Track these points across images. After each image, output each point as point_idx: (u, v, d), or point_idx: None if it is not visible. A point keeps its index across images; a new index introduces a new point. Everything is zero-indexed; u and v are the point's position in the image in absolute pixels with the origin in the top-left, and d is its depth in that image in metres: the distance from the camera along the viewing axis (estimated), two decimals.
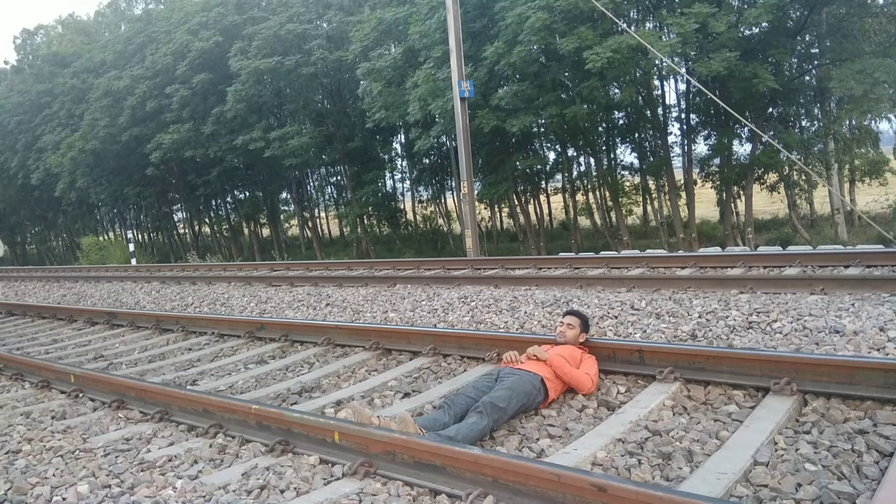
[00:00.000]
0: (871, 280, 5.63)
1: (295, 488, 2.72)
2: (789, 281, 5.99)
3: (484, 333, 4.76)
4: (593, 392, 3.63)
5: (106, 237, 35.21)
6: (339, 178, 27.56)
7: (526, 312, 5.87)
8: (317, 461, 2.98)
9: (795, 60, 16.73)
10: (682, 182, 18.84)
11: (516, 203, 22.16)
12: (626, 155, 21.59)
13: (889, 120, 17.43)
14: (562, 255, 11.52)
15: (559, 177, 22.34)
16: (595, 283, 7.05)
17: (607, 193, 20.74)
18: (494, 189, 19.18)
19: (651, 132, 19.40)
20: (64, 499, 2.78)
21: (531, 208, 22.79)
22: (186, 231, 34.37)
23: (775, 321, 4.64)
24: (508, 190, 19.80)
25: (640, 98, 17.88)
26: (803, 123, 18.41)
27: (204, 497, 2.69)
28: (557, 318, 5.04)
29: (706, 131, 18.61)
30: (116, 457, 3.26)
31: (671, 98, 23.52)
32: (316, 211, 30.04)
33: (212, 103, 22.92)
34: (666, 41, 13.64)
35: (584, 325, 3.93)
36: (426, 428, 3.05)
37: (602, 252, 12.31)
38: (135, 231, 31.98)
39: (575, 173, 21.91)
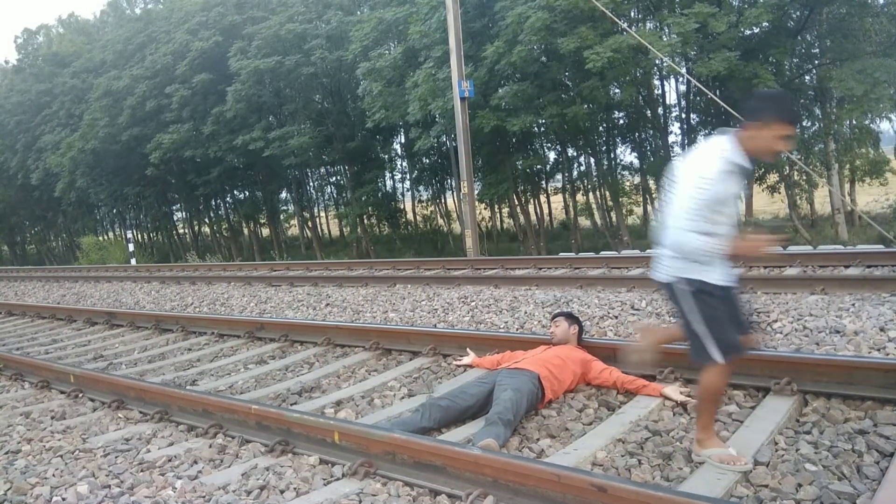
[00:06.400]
0: (872, 280, 5.63)
1: (295, 488, 2.72)
2: (789, 281, 5.99)
3: (484, 333, 4.76)
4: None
5: (106, 237, 35.17)
6: (338, 178, 27.51)
7: (526, 312, 5.87)
8: (317, 461, 2.98)
9: (796, 60, 16.70)
10: None
11: (516, 203, 22.13)
12: (627, 155, 21.54)
13: (889, 120, 17.42)
14: (562, 255, 11.52)
15: (559, 177, 22.32)
16: (595, 283, 7.06)
17: (607, 193, 20.71)
18: (494, 189, 19.16)
19: (651, 132, 19.37)
20: (64, 499, 2.77)
21: (531, 208, 22.76)
22: (186, 231, 34.33)
23: (775, 321, 4.64)
24: (508, 190, 19.76)
25: (640, 98, 17.86)
26: (803, 123, 18.38)
27: (204, 497, 2.69)
28: None
29: (706, 131, 18.59)
30: (116, 457, 3.25)
31: (671, 98, 23.46)
32: (316, 211, 30.01)
33: (212, 103, 22.89)
34: (666, 41, 13.62)
35: (573, 322, 3.93)
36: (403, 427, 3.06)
37: (602, 252, 12.30)
38: (134, 231, 31.90)
39: (575, 173, 21.87)
